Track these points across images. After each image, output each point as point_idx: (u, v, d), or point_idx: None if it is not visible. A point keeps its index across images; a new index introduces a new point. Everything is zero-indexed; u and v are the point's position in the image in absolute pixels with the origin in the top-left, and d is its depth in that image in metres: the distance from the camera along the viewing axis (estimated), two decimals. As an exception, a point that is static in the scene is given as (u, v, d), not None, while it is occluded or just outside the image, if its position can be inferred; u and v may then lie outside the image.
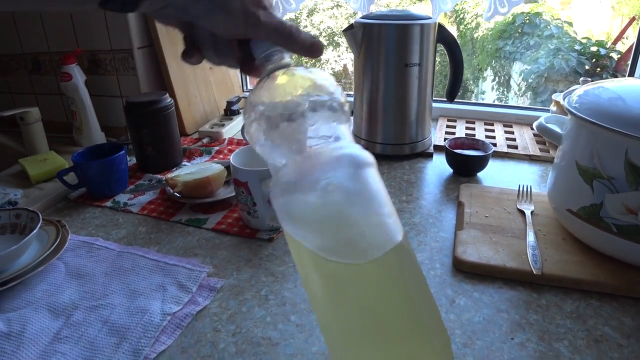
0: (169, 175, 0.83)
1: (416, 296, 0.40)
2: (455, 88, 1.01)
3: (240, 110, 1.26)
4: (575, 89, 0.71)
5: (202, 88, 1.24)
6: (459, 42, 0.99)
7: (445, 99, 1.03)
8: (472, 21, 5.09)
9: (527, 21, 4.37)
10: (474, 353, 0.51)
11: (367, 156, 0.39)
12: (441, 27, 0.95)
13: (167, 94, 0.96)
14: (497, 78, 4.69)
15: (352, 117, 1.14)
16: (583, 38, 3.92)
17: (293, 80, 0.40)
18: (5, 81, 1.37)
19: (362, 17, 0.96)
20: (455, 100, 1.02)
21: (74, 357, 0.51)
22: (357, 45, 0.95)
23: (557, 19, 4.29)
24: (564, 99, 0.69)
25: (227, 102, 1.24)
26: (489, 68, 4.82)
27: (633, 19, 3.32)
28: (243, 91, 1.46)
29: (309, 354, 0.51)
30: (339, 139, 0.39)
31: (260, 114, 0.39)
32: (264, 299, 0.59)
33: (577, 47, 3.72)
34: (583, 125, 0.63)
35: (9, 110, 1.04)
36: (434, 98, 1.07)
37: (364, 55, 0.96)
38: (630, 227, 0.59)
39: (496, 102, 3.89)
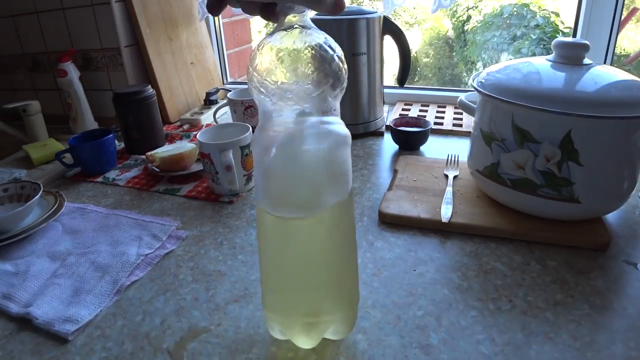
0: (149, 152, 0.97)
1: (340, 255, 0.49)
2: (404, 74, 1.14)
3: (219, 101, 1.40)
4: (484, 70, 0.84)
5: (184, 81, 1.39)
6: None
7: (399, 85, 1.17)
8: (464, 14, 5.18)
9: (515, 12, 4.45)
10: (380, 280, 0.64)
11: (346, 134, 0.45)
12: (387, 20, 1.09)
13: (149, 86, 1.11)
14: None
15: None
16: (566, 27, 4.02)
17: (306, 45, 0.41)
18: (8, 78, 1.51)
19: (316, 14, 1.10)
20: (413, 87, 1.14)
21: (68, 286, 0.65)
22: (312, 39, 1.09)
23: (544, 9, 4.38)
24: (473, 80, 0.82)
25: (207, 93, 1.39)
26: (479, 60, 4.91)
27: (635, 10, 3.23)
28: (223, 84, 1.60)
29: (248, 281, 0.65)
30: (327, 113, 0.44)
31: (272, 63, 0.41)
32: (219, 245, 0.74)
33: (558, 36, 3.81)
34: (484, 99, 0.76)
35: (13, 103, 1.18)
36: (389, 85, 1.20)
37: (318, 47, 1.09)
38: (521, 180, 0.71)
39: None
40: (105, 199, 0.91)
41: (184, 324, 0.58)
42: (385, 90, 1.21)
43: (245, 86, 1.33)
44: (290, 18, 0.42)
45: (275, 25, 0.43)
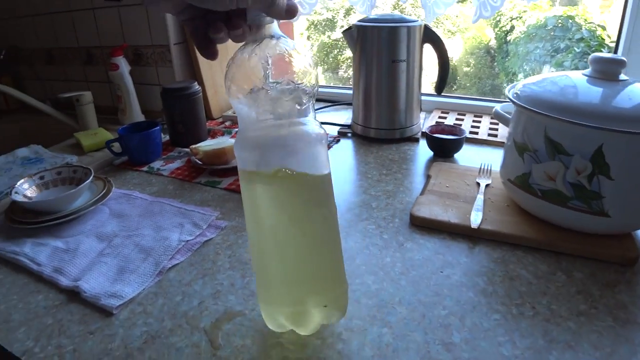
0: (193, 146, 1.02)
1: (315, 234, 0.52)
2: (442, 82, 1.16)
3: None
4: (520, 81, 0.86)
5: (228, 79, 1.44)
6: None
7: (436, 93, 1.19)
8: (507, 24, 5.11)
9: (560, 24, 4.38)
10: (408, 279, 0.66)
11: (319, 132, 0.48)
12: (427, 29, 1.11)
13: (196, 82, 1.16)
14: (527, 82, 4.69)
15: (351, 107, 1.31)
16: (612, 42, 3.92)
17: (277, 52, 0.45)
18: (63, 70, 1.60)
19: (359, 21, 1.13)
20: (450, 95, 1.16)
21: (113, 265, 0.70)
22: (354, 44, 1.13)
23: (590, 22, 4.29)
24: (508, 91, 0.84)
25: (248, 88, 1.43)
26: (521, 71, 4.84)
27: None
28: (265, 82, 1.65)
29: (283, 270, 0.69)
30: (303, 114, 0.47)
31: (242, 75, 0.45)
32: (256, 236, 0.78)
33: (603, 51, 3.74)
34: (519, 110, 0.78)
35: (67, 93, 1.25)
36: (424, 92, 1.22)
37: (359, 53, 1.13)
38: (551, 192, 0.73)
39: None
40: (150, 187, 0.97)
41: (220, 306, 0.62)
42: (423, 98, 1.23)
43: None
44: (262, 30, 0.45)
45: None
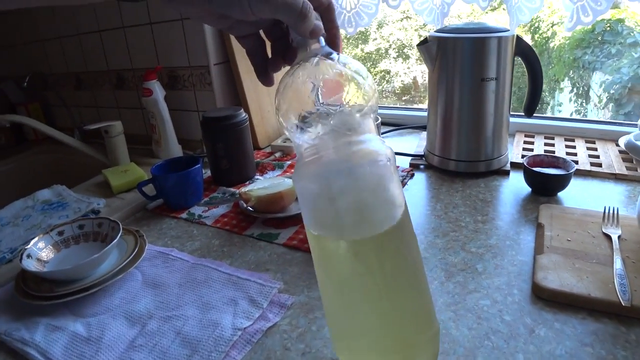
0: (243, 189, 0.85)
1: (408, 280, 0.45)
2: (534, 102, 0.96)
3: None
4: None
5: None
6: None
7: (523, 114, 0.99)
8: (548, 30, 4.88)
9: (608, 28, 4.12)
10: (558, 389, 0.48)
11: (384, 151, 0.43)
12: (519, 40, 0.92)
13: (242, 109, 0.99)
14: (575, 89, 4.45)
15: (424, 132, 1.12)
16: (674, 45, 3.65)
17: (341, 78, 0.42)
18: (92, 95, 1.46)
19: (436, 31, 0.94)
20: (539, 115, 0.97)
21: (149, 367, 0.53)
22: (432, 59, 0.93)
23: (642, 24, 4.03)
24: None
25: (302, 116, 1.25)
26: (567, 79, 4.59)
27: None
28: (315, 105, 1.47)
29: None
30: (362, 132, 0.42)
31: (295, 100, 0.42)
32: (334, 318, 0.59)
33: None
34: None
35: (95, 124, 1.10)
36: (510, 113, 1.02)
37: (438, 69, 0.93)
38: None
39: (574, 115, 3.69)
40: (190, 242, 0.79)
41: None
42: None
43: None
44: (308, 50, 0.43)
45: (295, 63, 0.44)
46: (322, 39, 0.44)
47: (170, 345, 0.55)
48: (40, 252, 0.71)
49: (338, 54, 0.44)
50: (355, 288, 0.44)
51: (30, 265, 0.67)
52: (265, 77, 0.49)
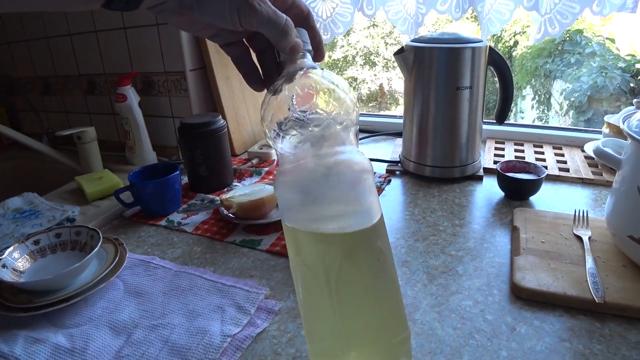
0: (224, 196, 0.84)
1: (378, 284, 0.46)
2: (505, 110, 1.00)
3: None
4: (634, 113, 0.69)
5: (251, 109, 1.26)
6: None
7: (493, 121, 1.02)
8: (511, 39, 5.02)
9: (568, 38, 4.28)
10: (542, 386, 0.50)
11: (362, 161, 0.45)
12: (492, 50, 0.95)
13: (220, 116, 0.98)
14: (536, 97, 4.59)
15: (399, 139, 1.14)
16: (627, 55, 3.82)
17: (315, 88, 0.44)
18: (62, 101, 1.42)
19: (412, 40, 0.96)
20: (511, 123, 1.00)
21: (138, 376, 0.52)
22: (408, 68, 0.96)
23: (599, 35, 4.19)
24: (623, 123, 0.67)
25: (277, 122, 1.25)
26: (529, 87, 4.73)
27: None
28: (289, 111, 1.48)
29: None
30: (342, 144, 0.44)
31: (278, 111, 0.44)
32: (321, 323, 0.59)
33: (621, 65, 3.62)
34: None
35: (68, 130, 1.08)
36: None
37: (414, 78, 0.96)
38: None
39: (536, 121, 3.81)
40: (172, 250, 0.78)
41: None
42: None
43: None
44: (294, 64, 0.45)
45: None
46: (308, 55, 0.46)
47: (159, 354, 0.55)
48: (16, 262, 0.69)
49: (322, 69, 0.45)
50: (312, 289, 0.47)
51: (6, 275, 0.65)
52: (255, 83, 0.49)
